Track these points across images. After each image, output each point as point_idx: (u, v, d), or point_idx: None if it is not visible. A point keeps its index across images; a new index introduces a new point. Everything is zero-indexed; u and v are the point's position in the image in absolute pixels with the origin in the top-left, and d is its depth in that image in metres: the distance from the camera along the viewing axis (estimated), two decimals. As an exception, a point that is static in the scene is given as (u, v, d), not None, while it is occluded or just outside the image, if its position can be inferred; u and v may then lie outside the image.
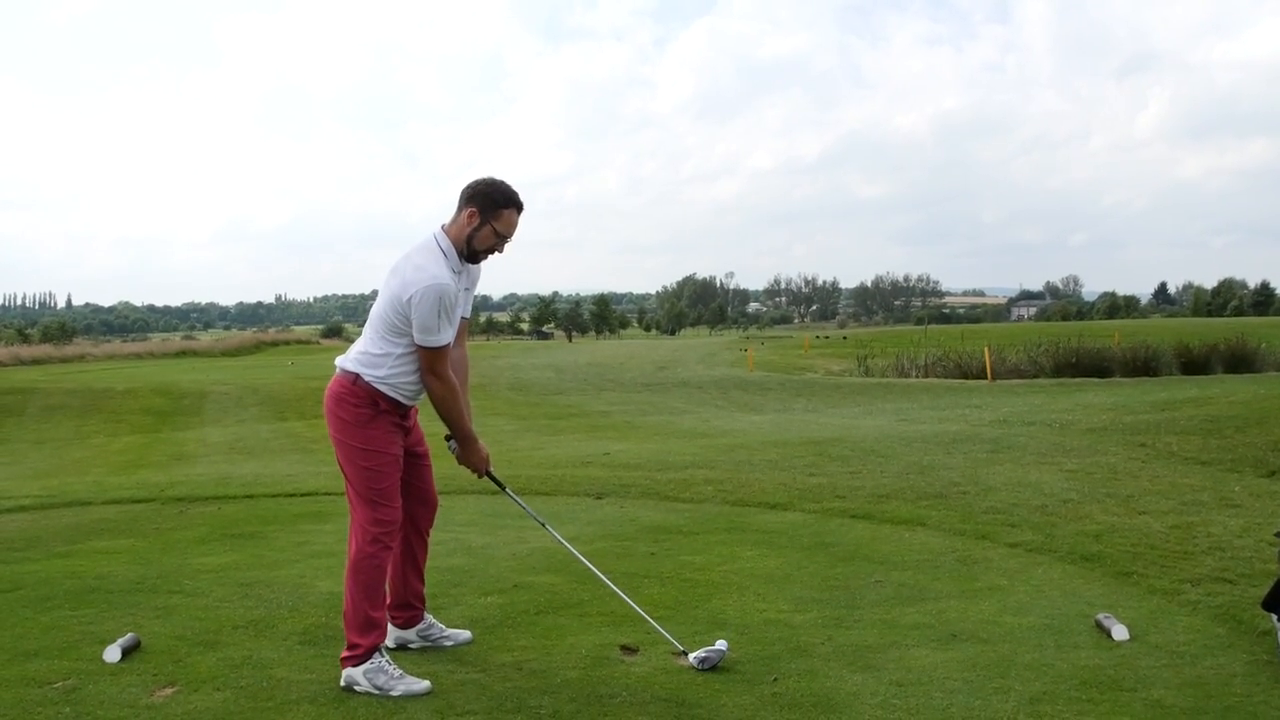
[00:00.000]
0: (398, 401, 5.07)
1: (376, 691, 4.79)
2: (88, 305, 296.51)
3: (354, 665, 4.88)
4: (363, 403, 5.01)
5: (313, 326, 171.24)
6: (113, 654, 5.19)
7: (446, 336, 4.95)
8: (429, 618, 5.53)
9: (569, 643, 5.49)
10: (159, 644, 5.47)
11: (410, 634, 5.47)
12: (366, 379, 4.99)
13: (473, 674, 5.03)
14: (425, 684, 4.83)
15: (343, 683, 4.88)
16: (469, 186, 5.05)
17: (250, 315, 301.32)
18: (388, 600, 5.33)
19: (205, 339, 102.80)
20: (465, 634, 5.59)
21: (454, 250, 5.01)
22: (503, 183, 5.06)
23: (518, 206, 5.07)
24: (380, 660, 4.90)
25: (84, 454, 21.97)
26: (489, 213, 5.00)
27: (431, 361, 4.95)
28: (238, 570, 7.19)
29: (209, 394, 31.03)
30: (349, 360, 5.08)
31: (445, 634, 5.52)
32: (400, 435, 5.16)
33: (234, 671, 5.05)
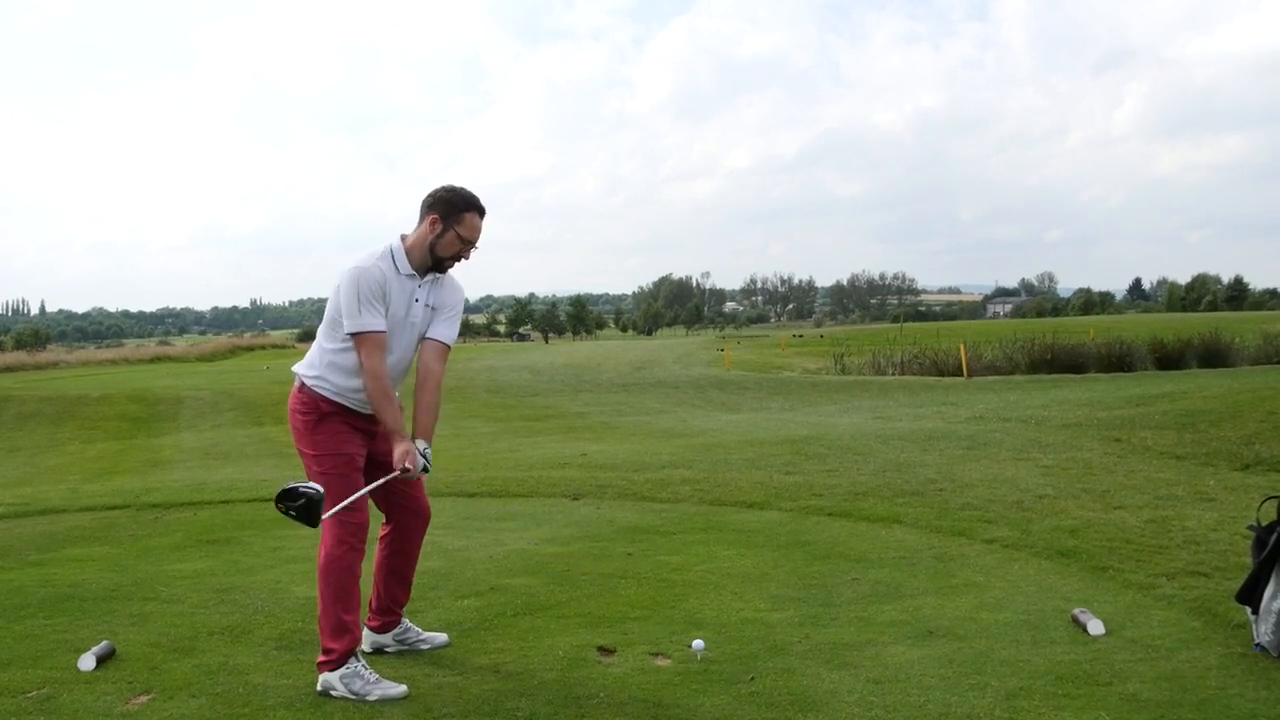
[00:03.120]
0: (342, 405, 5.08)
1: (353, 697, 4.77)
2: (61, 311, 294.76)
3: (330, 670, 4.86)
4: (308, 408, 5.06)
5: (289, 330, 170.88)
6: (87, 662, 5.16)
7: (370, 322, 4.92)
8: (405, 621, 5.51)
9: (546, 644, 5.48)
10: (134, 651, 5.44)
11: (386, 638, 5.45)
12: (308, 383, 5.06)
13: (450, 677, 5.02)
14: (402, 688, 4.82)
15: (319, 688, 4.86)
16: (429, 195, 5.08)
17: (226, 320, 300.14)
18: (373, 605, 5.38)
19: (180, 344, 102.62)
20: (442, 637, 5.57)
21: (405, 254, 5.04)
22: (462, 188, 5.08)
23: (479, 210, 5.08)
24: (356, 665, 4.88)
25: (58, 461, 21.85)
26: (451, 218, 5.01)
27: (360, 351, 4.94)
28: (213, 576, 7.17)
29: (184, 399, 30.89)
30: (298, 366, 5.16)
31: (422, 637, 5.51)
32: (357, 437, 5.13)
33: (210, 678, 5.02)
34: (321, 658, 4.91)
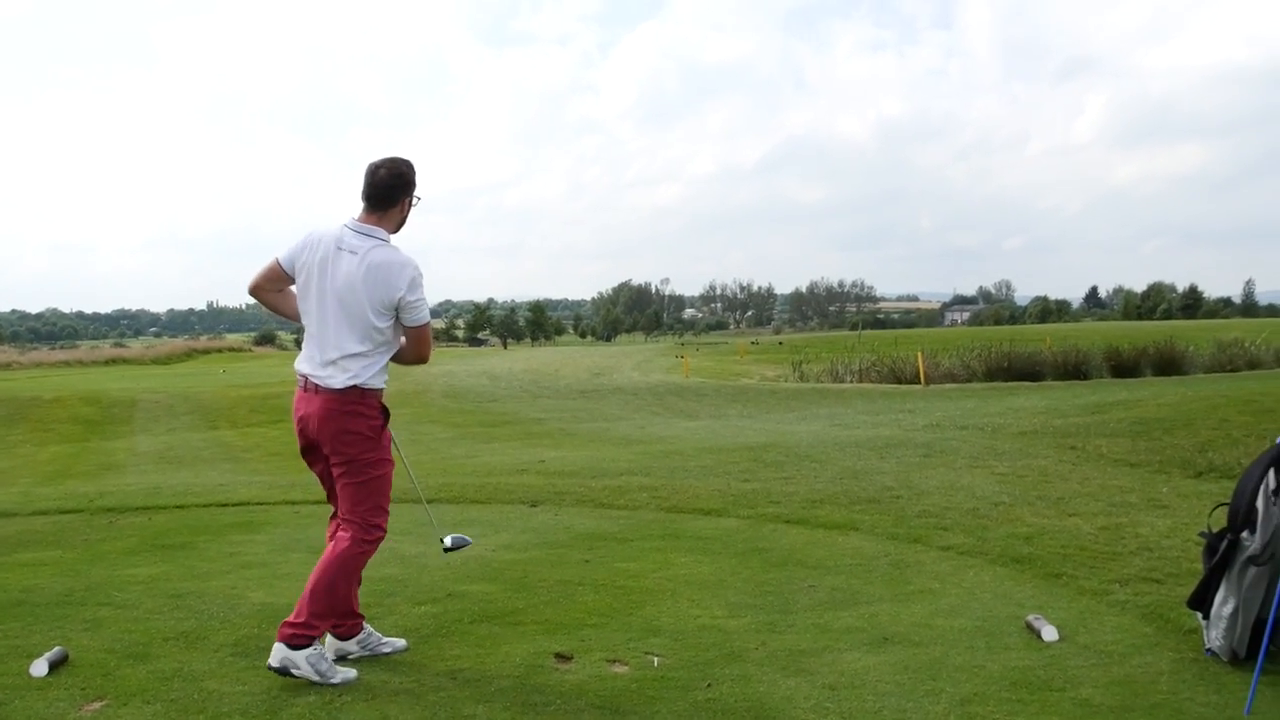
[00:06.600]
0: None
1: (317, 678, 4.91)
2: (14, 312, 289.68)
3: (300, 647, 4.95)
4: (375, 413, 5.25)
5: (246, 334, 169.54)
6: (40, 668, 5.12)
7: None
8: (367, 626, 5.51)
9: (503, 651, 5.48)
10: (87, 657, 5.40)
11: (351, 644, 5.44)
12: (373, 386, 5.22)
13: (407, 683, 5.01)
14: (354, 673, 5.07)
15: (277, 663, 4.94)
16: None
17: (182, 322, 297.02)
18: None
19: (136, 346, 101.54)
20: (401, 642, 5.58)
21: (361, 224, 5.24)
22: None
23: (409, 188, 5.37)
24: (321, 648, 5.02)
25: (10, 464, 21.60)
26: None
27: (427, 337, 5.35)
28: (168, 581, 7.11)
29: (139, 402, 30.60)
30: (344, 377, 5.15)
31: (383, 641, 5.52)
32: None
33: (165, 684, 4.99)
34: (296, 633, 4.97)
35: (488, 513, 9.63)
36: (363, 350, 5.11)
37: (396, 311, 5.13)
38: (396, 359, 5.33)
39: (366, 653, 5.44)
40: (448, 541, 5.87)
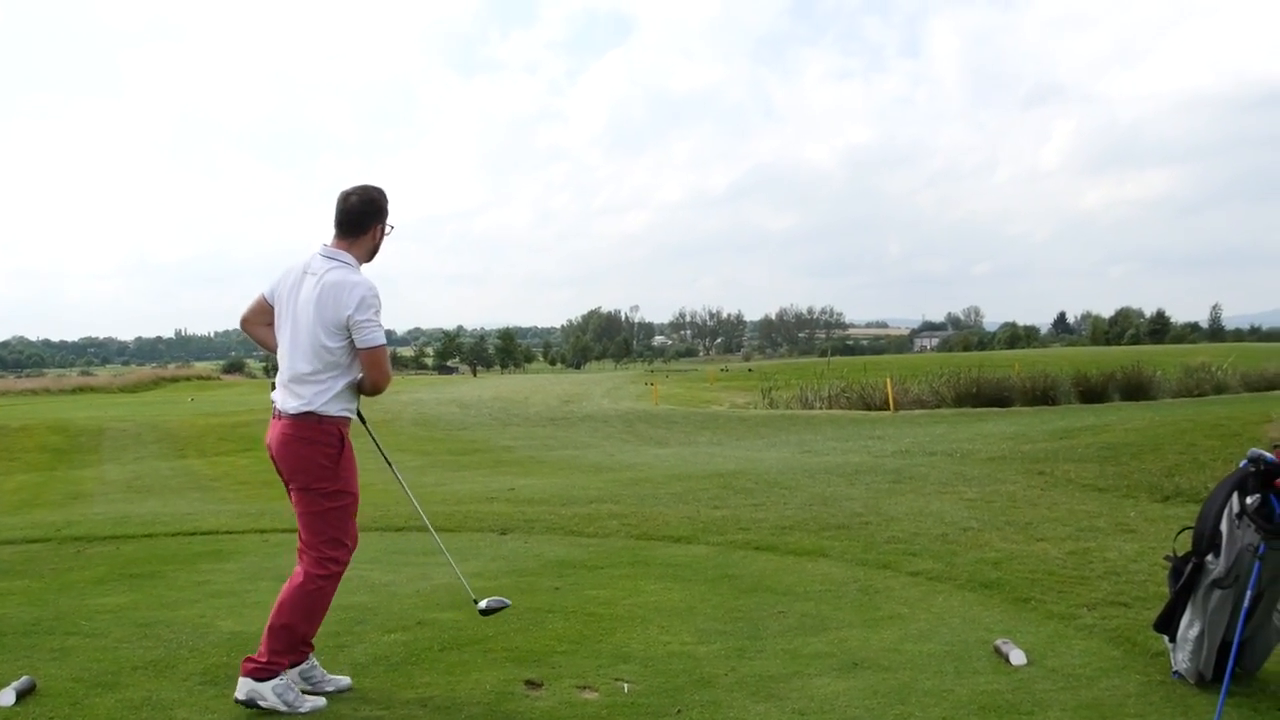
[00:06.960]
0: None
1: (285, 708, 4.87)
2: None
3: (264, 679, 4.93)
4: (333, 440, 5.16)
5: (214, 362, 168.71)
6: (7, 698, 5.08)
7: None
8: (312, 659, 5.43)
9: (473, 679, 5.47)
10: (56, 686, 5.36)
11: (293, 675, 5.36)
12: (332, 414, 5.15)
13: (377, 711, 4.99)
14: (323, 701, 5.02)
15: (243, 696, 4.93)
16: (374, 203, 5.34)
17: (150, 350, 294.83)
18: None
19: (103, 375, 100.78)
20: (345, 680, 5.46)
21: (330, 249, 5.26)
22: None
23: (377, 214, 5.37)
24: (287, 679, 4.99)
25: (-24, 494, 21.44)
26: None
27: (380, 361, 5.23)
28: (137, 610, 7.07)
29: (107, 431, 30.42)
30: (298, 403, 5.13)
31: (327, 678, 5.39)
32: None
33: (133, 713, 4.96)
34: (257, 666, 4.95)
35: (458, 541, 9.60)
36: (312, 371, 5.09)
37: (349, 333, 5.09)
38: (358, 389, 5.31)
39: (309, 687, 5.35)
40: (483, 604, 5.83)
